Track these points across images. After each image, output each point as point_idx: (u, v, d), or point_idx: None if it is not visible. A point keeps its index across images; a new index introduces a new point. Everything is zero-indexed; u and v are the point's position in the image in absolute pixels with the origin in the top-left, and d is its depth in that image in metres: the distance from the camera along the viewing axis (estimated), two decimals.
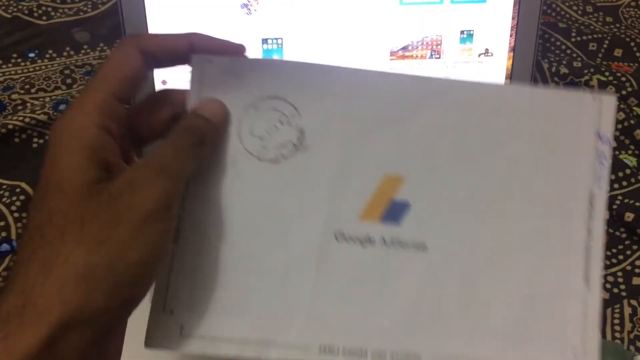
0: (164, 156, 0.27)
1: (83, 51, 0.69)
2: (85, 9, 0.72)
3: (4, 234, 0.52)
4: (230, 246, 0.31)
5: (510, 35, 0.54)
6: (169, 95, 0.31)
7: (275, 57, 0.52)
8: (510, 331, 0.30)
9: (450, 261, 0.30)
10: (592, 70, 0.64)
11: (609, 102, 0.31)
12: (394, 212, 0.31)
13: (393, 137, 0.31)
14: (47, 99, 0.63)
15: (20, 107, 0.61)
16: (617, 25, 0.73)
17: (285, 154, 0.31)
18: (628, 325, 0.49)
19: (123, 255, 0.24)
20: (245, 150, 0.31)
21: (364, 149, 0.31)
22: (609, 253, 0.53)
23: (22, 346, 0.22)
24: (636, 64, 0.67)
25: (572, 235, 0.31)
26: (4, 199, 0.54)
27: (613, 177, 0.56)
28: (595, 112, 0.31)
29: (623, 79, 0.64)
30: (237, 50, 0.31)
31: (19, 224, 0.53)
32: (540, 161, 0.31)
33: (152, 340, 0.30)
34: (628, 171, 0.56)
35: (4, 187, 0.55)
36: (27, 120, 0.59)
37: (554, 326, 0.30)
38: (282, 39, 0.52)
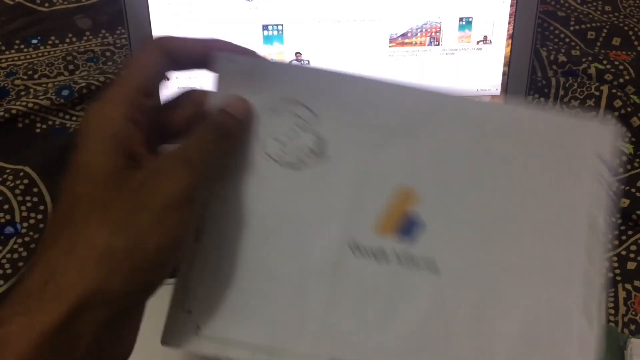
0: (188, 148, 0.28)
1: (85, 38, 0.70)
2: None
3: (7, 217, 0.53)
4: (249, 250, 0.31)
5: (509, 23, 0.54)
6: (193, 94, 0.32)
7: (276, 45, 0.52)
8: (512, 358, 0.30)
9: (459, 284, 0.30)
10: (590, 58, 0.65)
11: (612, 128, 0.31)
12: (408, 227, 0.31)
13: (408, 150, 0.31)
14: (50, 85, 0.63)
15: (23, 93, 0.62)
16: (616, 14, 0.73)
17: (305, 160, 0.31)
18: (622, 309, 0.49)
19: (142, 241, 0.25)
20: (266, 154, 0.31)
21: (381, 159, 0.31)
22: None
23: (43, 322, 0.23)
24: (634, 53, 0.68)
25: (573, 262, 0.31)
26: (8, 183, 0.54)
27: None
28: (598, 137, 0.31)
29: (621, 67, 0.64)
30: (254, 54, 0.32)
31: (23, 207, 0.53)
32: (547, 184, 0.31)
33: (168, 338, 0.30)
34: (624, 158, 0.57)
35: (8, 171, 0.55)
36: (30, 105, 0.59)
37: (554, 354, 0.30)
38: (282, 25, 0.52)
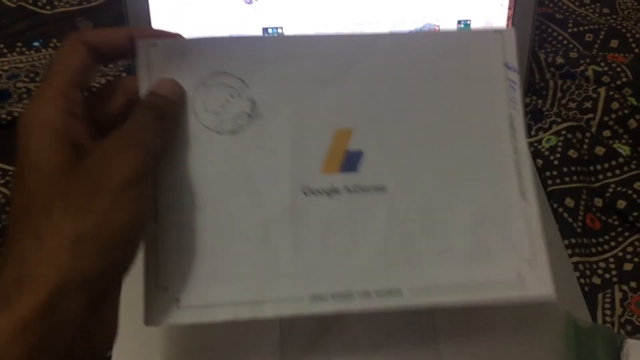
0: (130, 130, 0.29)
1: None
2: None
3: None
4: (208, 217, 0.32)
5: (507, 25, 0.54)
6: (121, 83, 0.33)
7: None
8: (470, 252, 0.33)
9: (407, 196, 0.34)
10: (588, 60, 0.65)
11: (509, 33, 0.35)
12: (351, 161, 0.33)
13: (336, 94, 0.34)
14: None
15: (25, 95, 0.62)
16: (614, 16, 0.73)
17: (242, 125, 0.33)
18: (619, 310, 0.50)
19: (107, 220, 0.26)
20: (204, 126, 0.33)
21: (312, 108, 0.34)
22: (601, 240, 0.54)
23: (22, 312, 0.24)
24: (632, 55, 0.68)
25: (502, 156, 0.34)
26: (11, 185, 0.55)
27: (606, 165, 0.57)
28: (499, 45, 0.35)
29: (618, 69, 0.64)
30: (174, 37, 0.33)
31: None
32: (464, 95, 0.35)
33: (151, 317, 0.31)
34: (621, 160, 0.57)
35: (10, 173, 0.56)
36: None
37: (505, 242, 0.34)
38: (282, 28, 0.53)
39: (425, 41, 0.35)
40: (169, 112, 0.31)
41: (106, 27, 0.32)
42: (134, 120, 0.29)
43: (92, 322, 0.26)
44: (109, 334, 0.28)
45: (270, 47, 0.33)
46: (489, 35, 0.35)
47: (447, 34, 0.36)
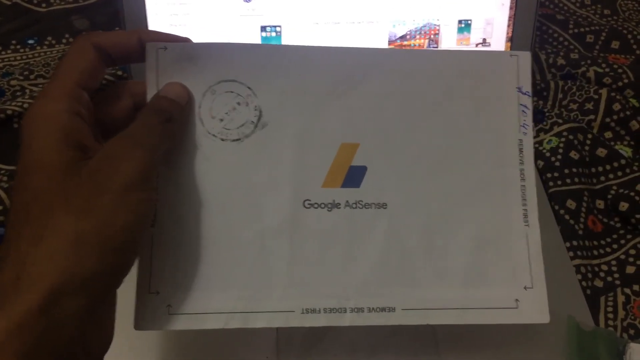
0: (136, 132, 0.29)
1: None
2: None
3: (2, 218, 0.52)
4: (206, 224, 0.32)
5: (508, 26, 0.54)
6: (128, 86, 0.32)
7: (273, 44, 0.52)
8: (468, 275, 0.33)
9: (408, 215, 0.33)
10: (589, 62, 0.65)
11: (524, 57, 0.35)
12: (353, 176, 0.33)
13: (344, 107, 0.33)
14: None
15: (19, 93, 0.61)
16: (615, 17, 0.73)
17: (246, 133, 0.33)
18: (621, 313, 0.49)
19: (109, 222, 0.26)
20: (208, 133, 0.32)
21: (319, 121, 0.33)
22: (603, 242, 0.53)
23: (19, 312, 0.23)
24: (633, 56, 0.68)
25: (508, 179, 0.34)
26: (3, 183, 0.54)
27: (608, 167, 0.57)
28: (514, 67, 0.35)
29: (620, 70, 0.64)
30: (184, 41, 0.33)
31: None
32: (475, 117, 0.34)
33: (141, 321, 0.31)
34: (623, 161, 0.57)
35: (3, 171, 0.55)
36: (25, 106, 0.59)
37: (505, 267, 0.34)
38: (280, 26, 0.52)
39: (439, 60, 0.34)
40: (175, 116, 0.31)
41: (116, 30, 0.31)
42: (139, 123, 0.29)
43: (89, 324, 0.26)
44: (105, 336, 0.28)
45: (282, 56, 0.33)
46: (504, 57, 0.35)
47: (462, 54, 0.35)
